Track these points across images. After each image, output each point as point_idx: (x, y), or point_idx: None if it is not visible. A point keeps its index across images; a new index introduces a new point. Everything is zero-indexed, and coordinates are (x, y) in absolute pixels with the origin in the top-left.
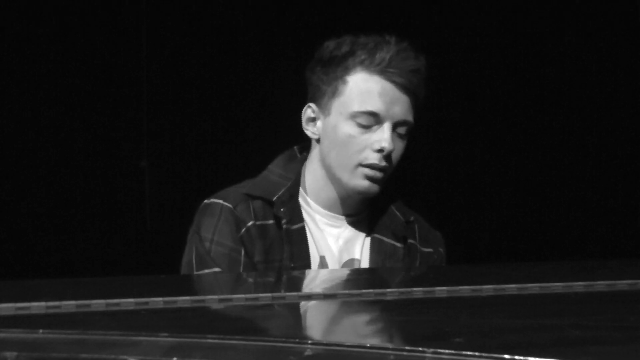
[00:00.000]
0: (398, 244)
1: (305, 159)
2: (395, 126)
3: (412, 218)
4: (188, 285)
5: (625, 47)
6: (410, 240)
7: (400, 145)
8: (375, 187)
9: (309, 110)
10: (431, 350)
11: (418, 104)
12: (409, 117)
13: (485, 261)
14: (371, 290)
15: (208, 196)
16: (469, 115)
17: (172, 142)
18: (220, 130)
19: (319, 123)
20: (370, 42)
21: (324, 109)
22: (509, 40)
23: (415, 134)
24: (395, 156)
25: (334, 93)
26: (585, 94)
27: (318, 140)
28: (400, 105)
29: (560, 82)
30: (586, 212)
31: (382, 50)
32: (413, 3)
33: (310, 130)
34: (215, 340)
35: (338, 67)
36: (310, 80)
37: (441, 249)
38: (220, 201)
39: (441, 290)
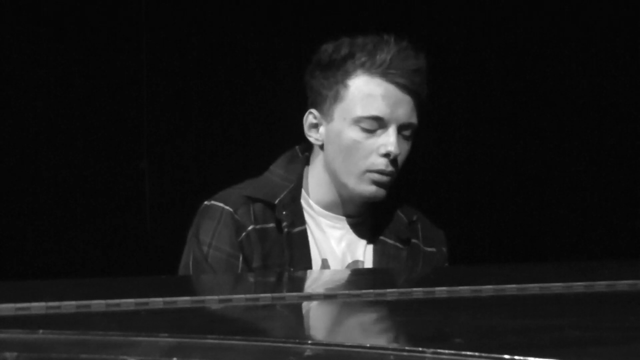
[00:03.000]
0: (401, 246)
1: (307, 159)
2: (400, 129)
3: (415, 217)
4: (188, 286)
5: (626, 47)
6: (413, 241)
7: (405, 148)
8: (382, 192)
9: (310, 117)
10: (431, 350)
11: (421, 104)
12: (413, 119)
13: (485, 261)
14: (371, 291)
15: (208, 196)
16: (470, 114)
17: (172, 142)
18: (221, 131)
19: (321, 129)
20: (369, 43)
21: (326, 115)
22: (510, 39)
23: (416, 133)
24: (400, 159)
25: (336, 98)
26: (586, 94)
27: (322, 147)
28: (404, 107)
29: (560, 82)
30: (586, 212)
31: (382, 51)
32: (414, 3)
33: (313, 136)
34: (215, 341)
35: (338, 71)
36: (310, 85)
37: (444, 248)
38: (221, 204)
39: (441, 291)
